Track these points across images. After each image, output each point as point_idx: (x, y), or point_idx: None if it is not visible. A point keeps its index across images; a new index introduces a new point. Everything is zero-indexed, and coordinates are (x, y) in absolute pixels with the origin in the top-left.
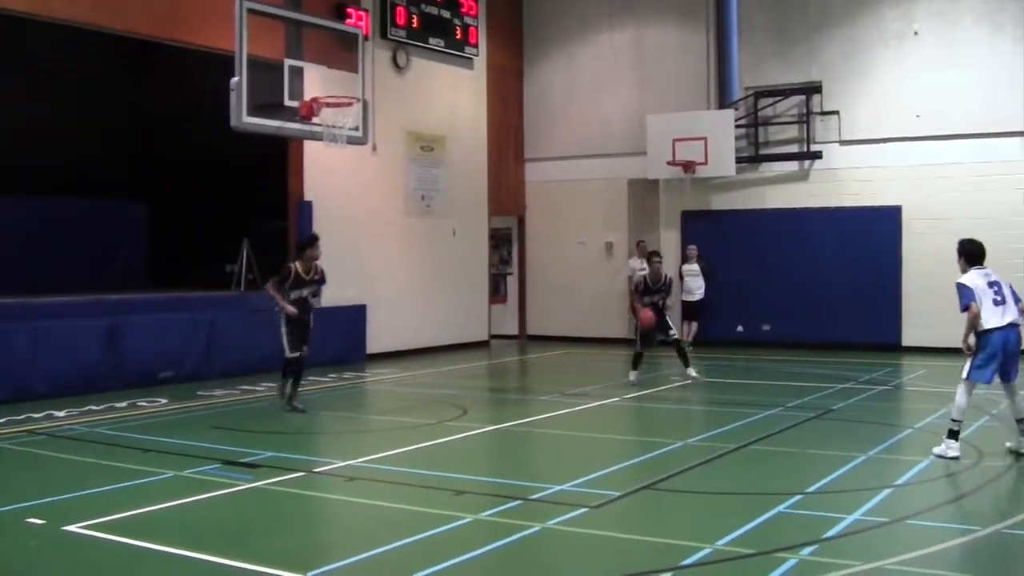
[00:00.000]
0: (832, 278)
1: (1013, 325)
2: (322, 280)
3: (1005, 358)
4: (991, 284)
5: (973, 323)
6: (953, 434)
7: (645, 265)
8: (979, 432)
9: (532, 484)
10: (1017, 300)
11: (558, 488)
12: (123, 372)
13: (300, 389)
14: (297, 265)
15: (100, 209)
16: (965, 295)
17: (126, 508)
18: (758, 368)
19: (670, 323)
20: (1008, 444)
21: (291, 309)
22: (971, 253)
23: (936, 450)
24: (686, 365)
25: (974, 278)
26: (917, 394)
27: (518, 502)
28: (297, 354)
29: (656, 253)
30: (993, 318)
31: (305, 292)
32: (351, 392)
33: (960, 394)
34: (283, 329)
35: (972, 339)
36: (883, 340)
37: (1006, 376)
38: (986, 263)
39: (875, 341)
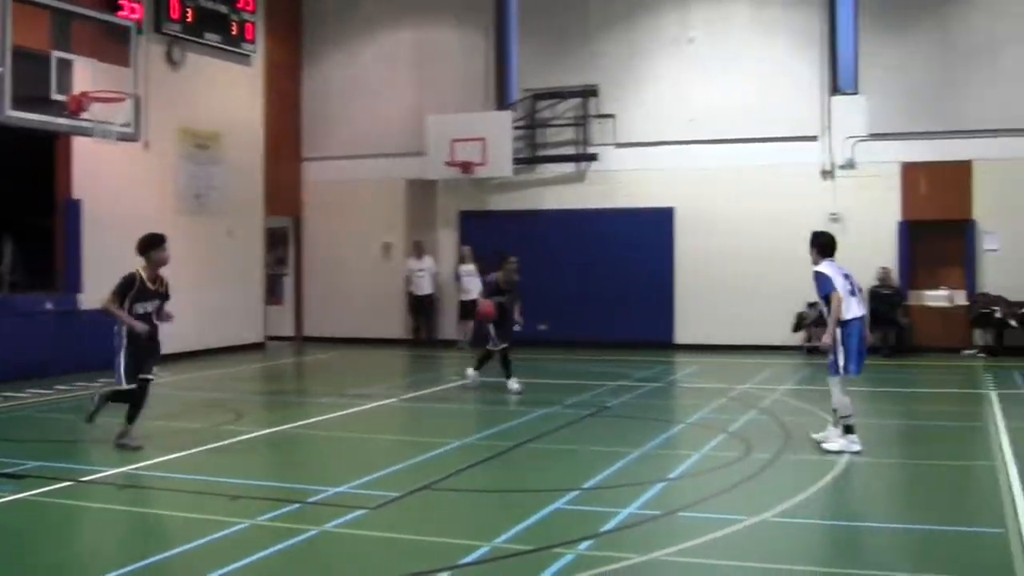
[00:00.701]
0: (608, 278)
1: (862, 318)
2: (166, 294)
3: (860, 350)
4: (845, 276)
5: (837, 311)
6: (849, 429)
7: (424, 266)
8: (748, 426)
9: (310, 487)
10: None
11: (336, 490)
12: None
13: (60, 396)
14: (141, 271)
15: None
16: (824, 283)
17: None
18: (535, 367)
19: (510, 329)
20: (814, 435)
21: (140, 326)
22: (824, 245)
23: (832, 446)
24: (507, 376)
25: (830, 268)
26: (689, 390)
27: (296, 505)
28: (133, 386)
29: (510, 255)
30: (852, 308)
31: (150, 306)
32: None
33: (837, 391)
34: (122, 353)
35: (838, 331)
36: (657, 338)
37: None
38: (758, 264)
39: (649, 339)
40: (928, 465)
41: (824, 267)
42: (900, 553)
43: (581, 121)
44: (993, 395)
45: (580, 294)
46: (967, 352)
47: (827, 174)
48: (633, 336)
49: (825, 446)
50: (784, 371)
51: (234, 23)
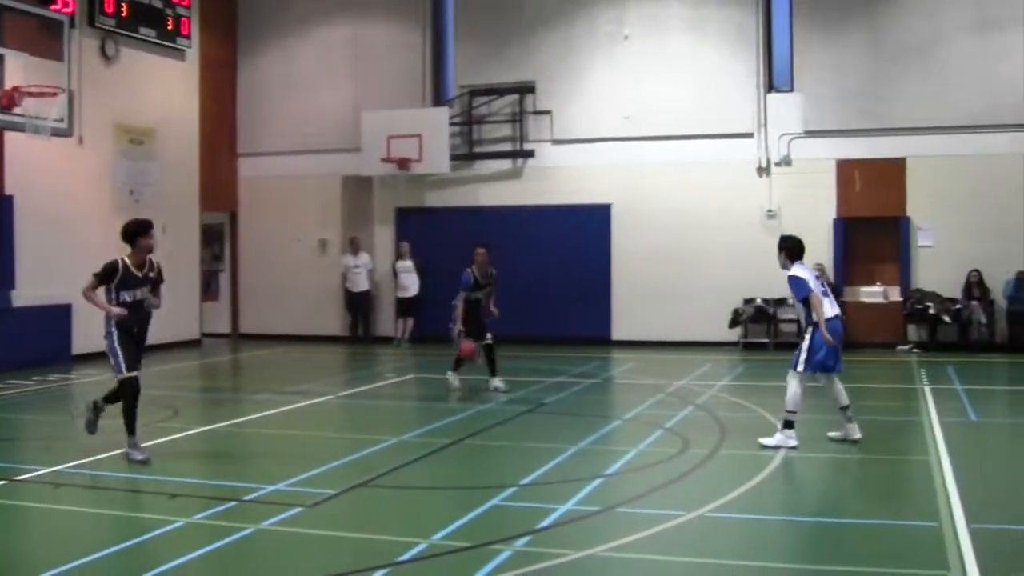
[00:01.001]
0: (545, 274)
1: (839, 316)
2: (159, 278)
3: (835, 348)
4: (816, 277)
5: (821, 310)
6: (789, 424)
7: (360, 262)
8: (684, 422)
9: (246, 485)
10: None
11: (272, 488)
12: None
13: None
14: (126, 259)
15: None
16: (801, 287)
17: None
18: (472, 363)
19: (483, 326)
20: (831, 434)
21: (116, 310)
22: (792, 248)
23: (769, 441)
24: (493, 373)
25: (803, 271)
26: (626, 386)
27: (232, 504)
28: (136, 373)
29: (483, 244)
30: (827, 309)
31: (139, 293)
32: (56, 395)
33: (794, 385)
34: (115, 343)
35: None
36: (594, 334)
37: (834, 367)
38: (694, 260)
39: (587, 335)
40: (863, 460)
41: (797, 270)
42: (835, 547)
43: (518, 118)
44: (927, 390)
45: (517, 291)
46: (901, 348)
47: (763, 171)
48: (570, 332)
49: (763, 440)
50: (721, 367)
51: (169, 18)
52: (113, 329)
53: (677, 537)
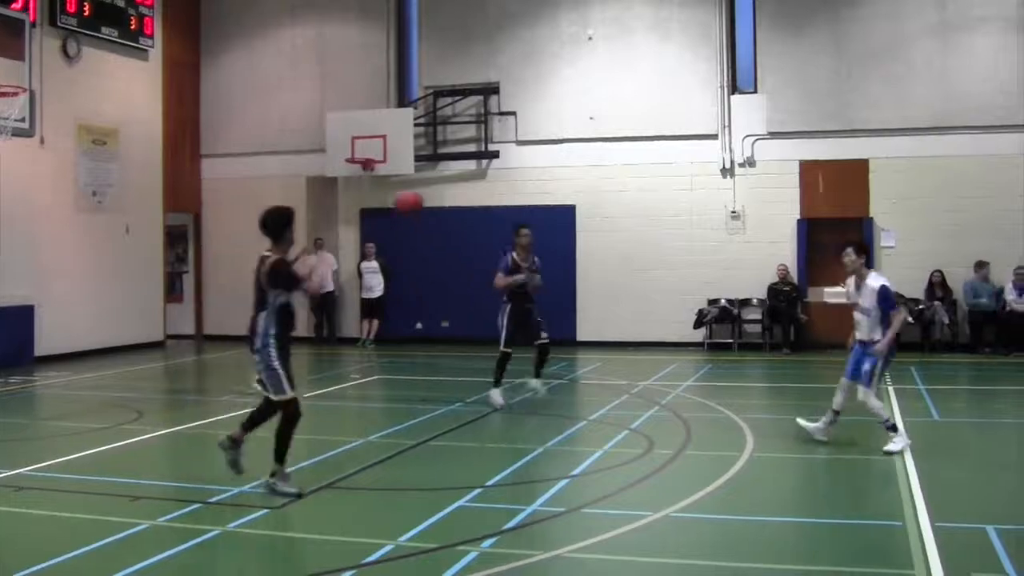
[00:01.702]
0: None
1: None
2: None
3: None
4: None
5: (897, 325)
6: (893, 427)
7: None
8: (650, 422)
9: (211, 487)
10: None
11: (238, 490)
12: None
13: None
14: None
15: None
16: (891, 298)
17: None
18: (438, 364)
19: (541, 321)
20: (801, 421)
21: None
22: (867, 254)
23: (893, 447)
24: (536, 375)
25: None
26: (591, 387)
27: (197, 505)
28: (293, 395)
29: (523, 226)
30: None
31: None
32: (19, 397)
33: (872, 399)
34: (276, 356)
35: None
36: (559, 335)
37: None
38: (659, 261)
39: (552, 336)
40: (828, 460)
41: (885, 279)
42: (801, 547)
43: (482, 118)
44: (890, 390)
45: (482, 291)
46: None
47: (727, 172)
48: None
49: (888, 448)
50: (686, 367)
51: (132, 17)
52: (273, 341)
53: (643, 538)
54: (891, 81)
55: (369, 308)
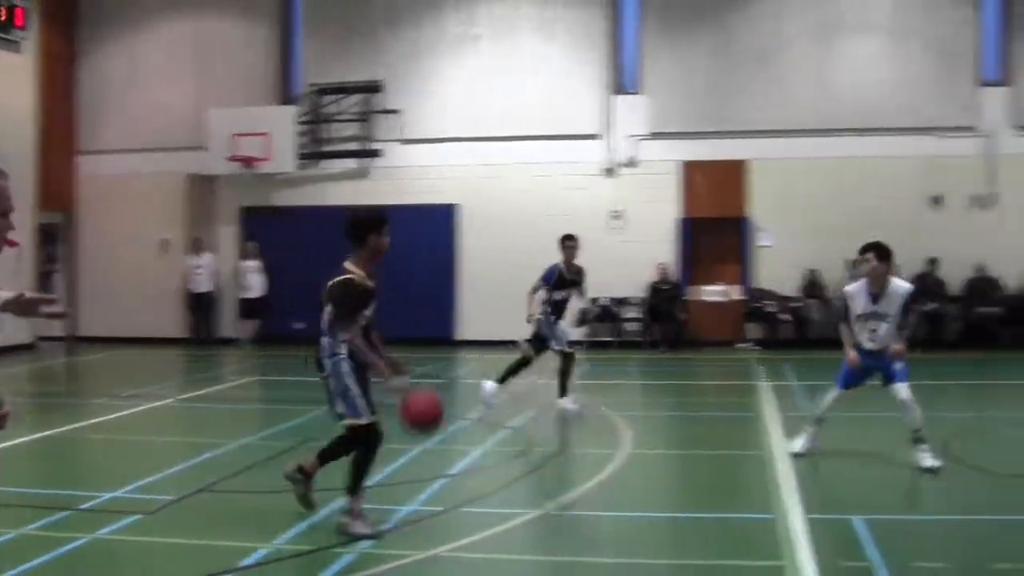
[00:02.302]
0: (391, 274)
1: None
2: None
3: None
4: None
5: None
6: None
7: (202, 262)
8: (529, 421)
9: (82, 493)
10: None
11: (110, 495)
12: None
13: None
14: (352, 268)
15: None
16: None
17: None
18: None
19: (563, 330)
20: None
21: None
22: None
23: (932, 463)
24: (562, 393)
25: None
26: (471, 386)
27: (66, 513)
28: (374, 419)
29: (570, 237)
30: None
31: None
32: None
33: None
34: (349, 378)
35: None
36: (439, 334)
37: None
38: (541, 261)
39: (431, 335)
40: (702, 455)
41: (909, 283)
42: (677, 541)
43: (366, 117)
44: (766, 386)
45: None
46: (741, 345)
47: (609, 172)
48: (415, 333)
49: (922, 465)
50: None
51: (3, 8)
52: (346, 360)
53: (521, 536)
54: (772, 83)
55: (248, 308)
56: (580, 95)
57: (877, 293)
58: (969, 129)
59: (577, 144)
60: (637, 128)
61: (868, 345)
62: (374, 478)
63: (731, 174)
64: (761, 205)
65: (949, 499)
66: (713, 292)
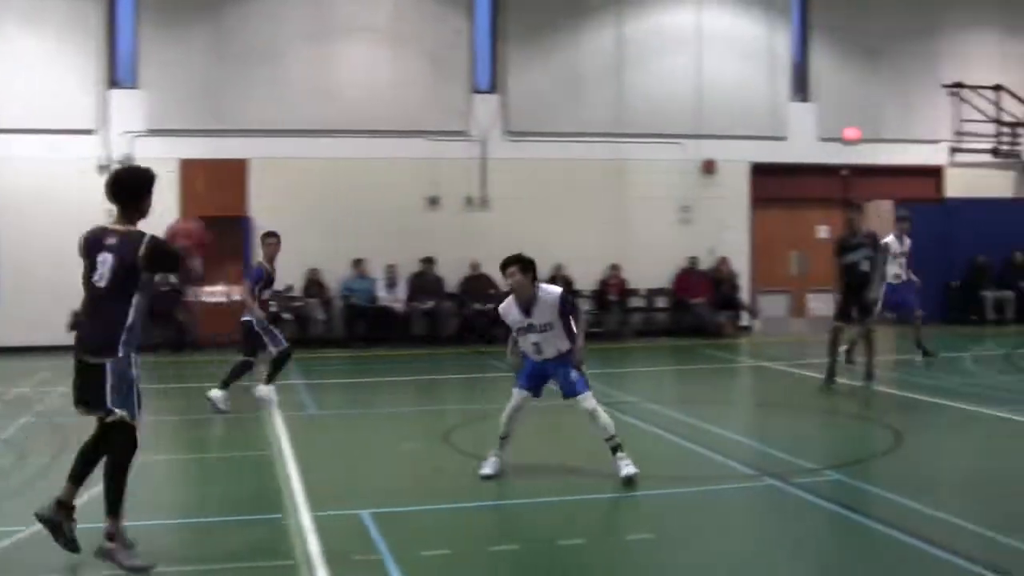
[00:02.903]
0: None
1: None
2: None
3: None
4: None
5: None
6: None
7: None
8: (22, 431)
9: None
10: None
11: None
12: None
13: None
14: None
15: None
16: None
17: None
18: None
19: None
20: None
21: None
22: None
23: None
24: (224, 386)
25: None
26: None
27: None
28: None
29: (271, 233)
30: None
31: None
32: None
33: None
34: None
35: None
36: None
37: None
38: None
39: None
40: (204, 459)
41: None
42: (192, 547)
43: None
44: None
45: None
46: None
47: (104, 169)
48: None
49: (620, 474)
50: (60, 373)
51: None
52: None
53: (16, 555)
54: (271, 83)
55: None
56: (72, 88)
57: (527, 306)
58: (462, 134)
59: (69, 139)
60: (134, 124)
61: (536, 357)
62: None
63: (231, 173)
64: (260, 204)
65: (453, 487)
66: (216, 293)
